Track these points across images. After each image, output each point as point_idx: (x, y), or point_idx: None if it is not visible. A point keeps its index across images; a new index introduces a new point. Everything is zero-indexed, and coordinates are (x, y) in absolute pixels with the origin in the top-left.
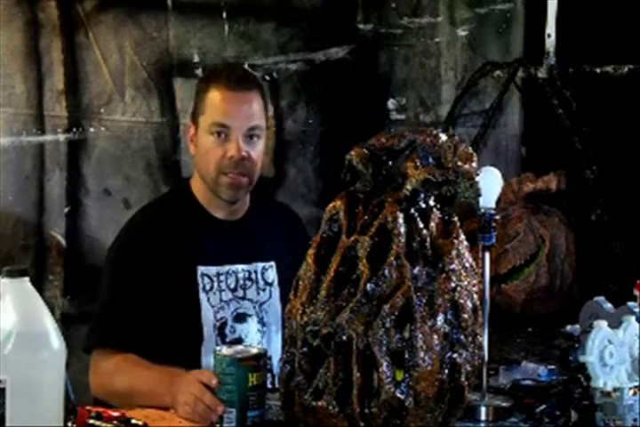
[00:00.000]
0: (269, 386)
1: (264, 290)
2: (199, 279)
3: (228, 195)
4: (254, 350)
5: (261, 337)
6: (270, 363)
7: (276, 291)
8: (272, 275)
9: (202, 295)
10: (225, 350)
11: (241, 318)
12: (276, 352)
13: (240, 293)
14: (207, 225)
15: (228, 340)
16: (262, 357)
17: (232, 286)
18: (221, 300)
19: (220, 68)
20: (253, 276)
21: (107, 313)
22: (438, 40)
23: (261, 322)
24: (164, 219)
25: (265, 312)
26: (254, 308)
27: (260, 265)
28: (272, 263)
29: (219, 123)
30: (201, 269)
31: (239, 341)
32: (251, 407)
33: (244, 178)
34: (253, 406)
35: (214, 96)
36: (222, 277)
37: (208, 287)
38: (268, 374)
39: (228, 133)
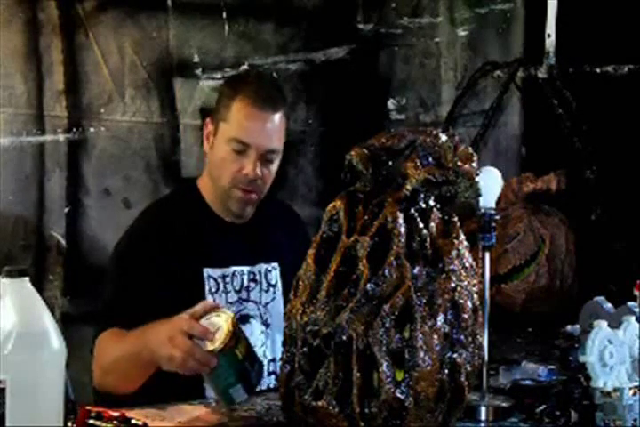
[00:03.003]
0: (271, 387)
1: (267, 291)
2: (205, 282)
3: (236, 208)
4: (222, 326)
5: (265, 338)
6: (275, 365)
7: (279, 292)
8: (275, 276)
9: (208, 298)
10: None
11: (244, 319)
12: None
13: (244, 294)
14: (214, 227)
15: None
16: (235, 327)
17: (237, 287)
18: (227, 302)
19: (252, 77)
20: (257, 277)
21: (110, 314)
22: (438, 40)
23: (265, 323)
24: (170, 219)
25: (269, 314)
26: (258, 309)
27: (263, 266)
28: (275, 264)
29: (239, 140)
30: (207, 271)
31: None
32: (251, 374)
33: (253, 195)
34: (251, 369)
35: (240, 109)
36: (228, 279)
37: (214, 289)
38: (272, 376)
39: (246, 150)
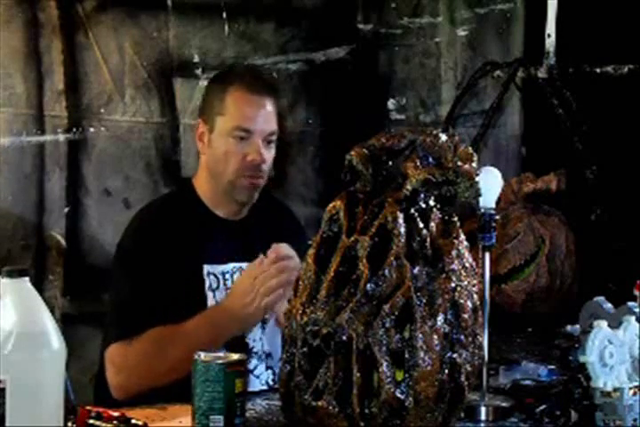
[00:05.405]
0: (269, 382)
1: None
2: (205, 278)
3: (245, 196)
4: (236, 356)
5: (262, 333)
6: (270, 359)
7: None
8: None
9: (208, 294)
10: (207, 357)
11: None
12: (276, 349)
13: None
14: (211, 224)
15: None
16: (245, 362)
17: None
18: None
19: (240, 69)
20: None
21: (123, 308)
22: (438, 40)
23: (262, 319)
24: (168, 218)
25: None
26: None
27: None
28: None
29: (243, 128)
30: (207, 267)
31: (241, 337)
32: (237, 414)
33: (260, 180)
34: (239, 412)
35: (236, 97)
36: (227, 276)
37: (214, 286)
38: (270, 372)
39: (250, 137)
